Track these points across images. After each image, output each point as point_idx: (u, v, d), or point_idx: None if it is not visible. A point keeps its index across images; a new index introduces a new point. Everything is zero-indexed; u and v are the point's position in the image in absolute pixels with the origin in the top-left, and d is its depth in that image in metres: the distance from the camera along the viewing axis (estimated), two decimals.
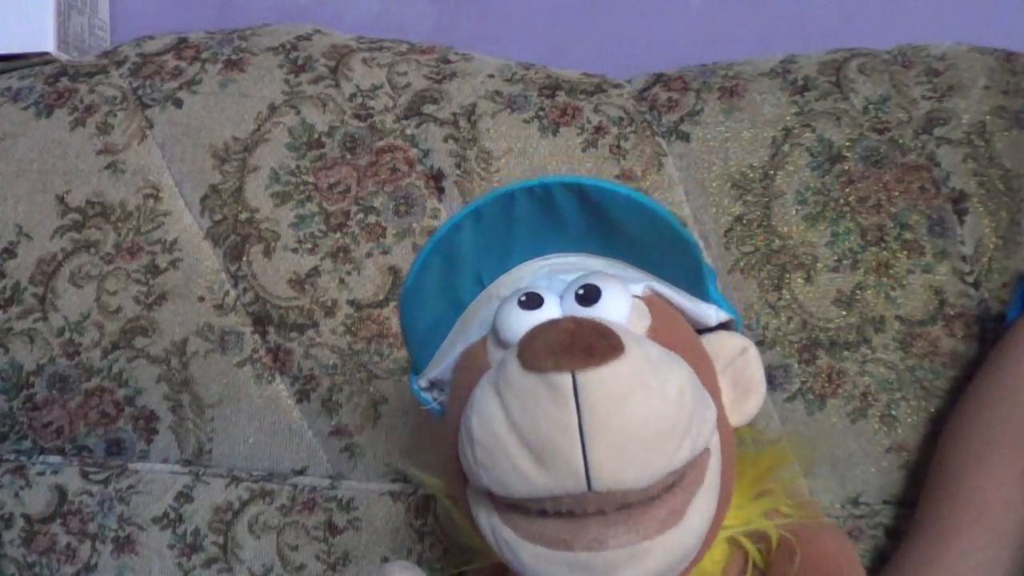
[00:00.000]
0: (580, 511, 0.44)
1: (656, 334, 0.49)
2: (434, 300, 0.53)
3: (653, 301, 0.51)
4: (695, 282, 0.53)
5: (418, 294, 0.52)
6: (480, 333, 0.51)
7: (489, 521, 0.47)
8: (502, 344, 0.48)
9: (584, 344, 0.42)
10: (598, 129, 0.79)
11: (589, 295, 0.48)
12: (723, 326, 0.55)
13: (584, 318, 0.45)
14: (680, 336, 0.50)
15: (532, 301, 0.48)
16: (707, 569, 0.50)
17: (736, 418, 0.52)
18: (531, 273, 0.53)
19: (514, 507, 0.46)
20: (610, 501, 0.44)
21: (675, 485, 0.45)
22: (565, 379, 0.42)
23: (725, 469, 0.49)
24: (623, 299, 0.49)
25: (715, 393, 0.50)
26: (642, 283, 0.52)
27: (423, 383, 0.57)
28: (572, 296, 0.48)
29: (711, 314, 0.54)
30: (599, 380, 0.42)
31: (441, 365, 0.55)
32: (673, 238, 0.50)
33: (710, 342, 0.53)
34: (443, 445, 0.51)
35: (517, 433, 0.43)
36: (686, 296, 0.53)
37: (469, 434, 0.45)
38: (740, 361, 0.53)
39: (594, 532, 0.44)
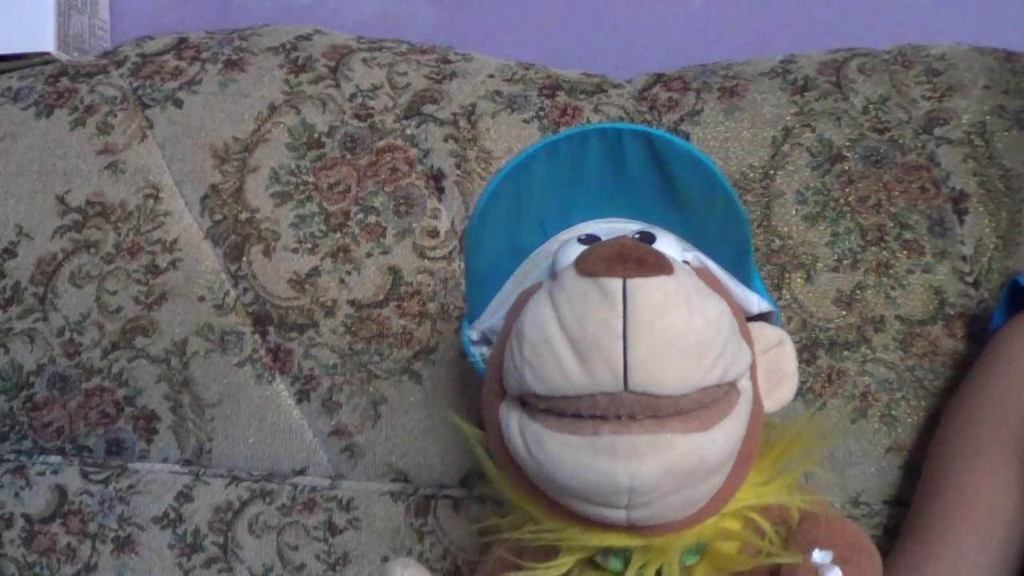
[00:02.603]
0: (612, 414, 0.45)
1: None
2: (500, 234, 0.55)
3: (701, 271, 0.53)
4: (742, 261, 0.55)
5: (486, 224, 0.53)
6: (537, 280, 0.53)
7: (520, 424, 0.48)
8: None
9: (637, 256, 0.45)
10: None
11: (644, 239, 0.51)
12: (763, 318, 0.57)
13: (639, 242, 0.48)
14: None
15: (591, 240, 0.51)
16: (723, 549, 0.51)
17: (768, 404, 0.54)
18: (592, 228, 0.55)
19: (547, 411, 0.47)
20: (642, 406, 0.45)
21: (704, 408, 0.47)
22: (616, 284, 0.44)
23: (752, 423, 0.50)
24: (675, 250, 0.52)
25: (753, 360, 0.52)
26: (693, 252, 0.54)
27: (474, 335, 0.58)
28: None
29: (753, 300, 0.56)
30: (647, 288, 0.44)
31: (496, 314, 0.56)
32: (726, 204, 0.52)
33: (750, 329, 0.54)
34: (481, 389, 0.53)
35: (565, 331, 0.45)
36: (732, 279, 0.55)
37: (520, 333, 0.47)
38: (776, 352, 0.55)
39: (622, 421, 0.46)
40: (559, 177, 0.53)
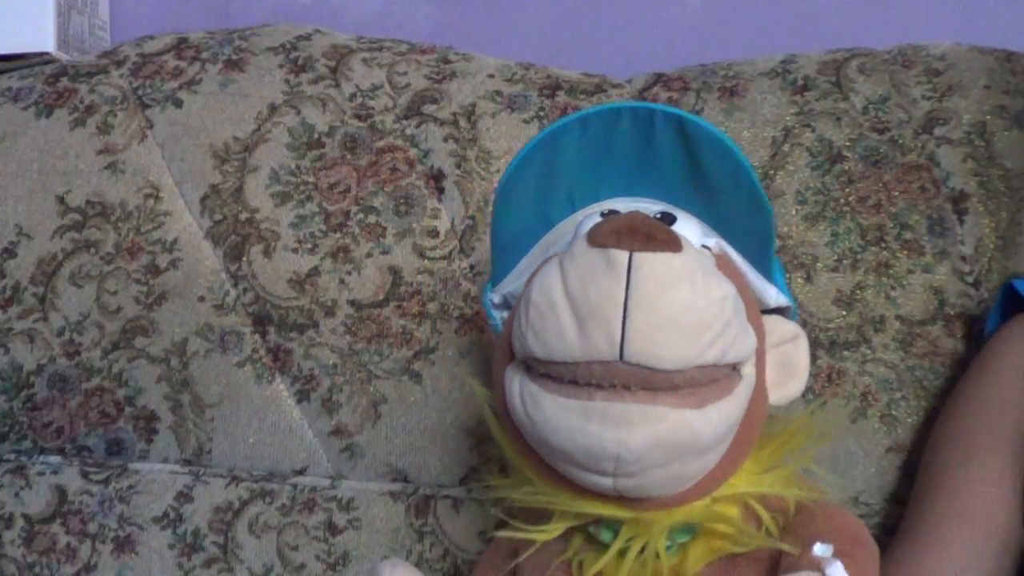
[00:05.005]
0: (607, 383, 0.46)
1: None
2: (529, 203, 0.55)
3: (721, 259, 0.53)
4: (763, 253, 0.55)
5: (514, 190, 0.54)
6: (560, 251, 0.53)
7: (520, 384, 0.50)
8: None
9: (647, 231, 0.46)
10: None
11: (665, 220, 0.52)
12: (780, 313, 0.58)
13: (654, 219, 0.49)
14: (738, 288, 0.52)
15: (613, 215, 0.52)
16: (719, 529, 0.51)
17: (776, 397, 0.54)
18: (618, 205, 0.56)
19: (546, 375, 0.48)
20: (636, 378, 0.46)
21: (700, 386, 0.47)
22: (623, 255, 0.45)
23: (752, 410, 0.50)
24: (696, 234, 0.52)
25: (760, 347, 0.52)
26: (715, 239, 0.54)
27: (496, 299, 0.60)
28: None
29: (771, 294, 0.57)
30: (653, 263, 0.45)
31: (519, 280, 0.57)
32: (752, 194, 0.52)
33: (765, 322, 0.55)
34: (495, 351, 0.55)
35: (569, 298, 0.46)
36: (752, 269, 0.56)
37: (527, 299, 0.48)
38: (790, 346, 0.55)
39: (617, 390, 0.47)
40: (589, 151, 0.54)
